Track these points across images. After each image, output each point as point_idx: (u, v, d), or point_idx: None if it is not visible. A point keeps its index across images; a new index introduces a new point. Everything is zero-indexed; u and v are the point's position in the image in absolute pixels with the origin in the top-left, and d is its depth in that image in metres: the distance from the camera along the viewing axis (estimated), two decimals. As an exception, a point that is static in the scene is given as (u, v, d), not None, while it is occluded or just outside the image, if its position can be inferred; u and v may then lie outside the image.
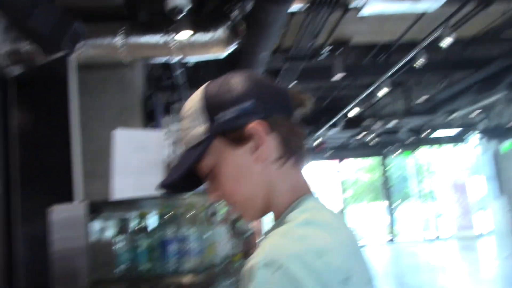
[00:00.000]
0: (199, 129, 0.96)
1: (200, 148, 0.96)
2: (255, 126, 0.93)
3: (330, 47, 6.60)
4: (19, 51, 3.86)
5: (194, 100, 0.98)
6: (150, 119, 5.32)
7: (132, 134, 2.24)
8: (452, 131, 14.42)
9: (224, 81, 0.98)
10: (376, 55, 7.51)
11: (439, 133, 13.97)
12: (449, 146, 16.23)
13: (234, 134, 0.94)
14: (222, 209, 2.40)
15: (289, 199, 0.95)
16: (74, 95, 3.64)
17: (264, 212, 1.00)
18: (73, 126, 3.57)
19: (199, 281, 2.23)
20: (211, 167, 0.98)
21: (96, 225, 2.28)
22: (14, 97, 3.95)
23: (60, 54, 3.61)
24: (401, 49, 6.64)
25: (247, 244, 2.62)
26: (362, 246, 0.99)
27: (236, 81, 0.97)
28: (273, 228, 0.93)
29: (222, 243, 2.28)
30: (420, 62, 6.22)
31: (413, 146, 15.89)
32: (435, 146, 16.49)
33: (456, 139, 15.29)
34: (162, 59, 4.57)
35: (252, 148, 0.94)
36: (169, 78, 5.96)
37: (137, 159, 2.18)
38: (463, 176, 16.62)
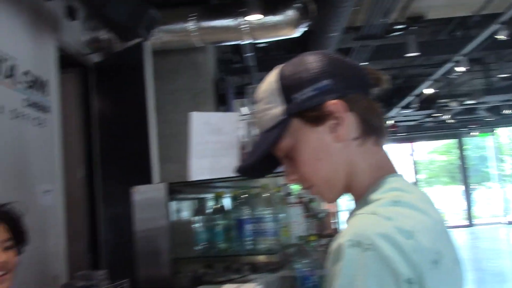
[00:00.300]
0: (276, 110, 0.95)
1: (277, 130, 0.95)
2: (333, 104, 0.91)
3: (403, 25, 6.38)
4: (98, 39, 4.02)
5: (270, 82, 0.97)
6: (221, 102, 5.40)
7: (208, 117, 2.28)
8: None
9: (299, 61, 0.97)
10: (453, 31, 7.18)
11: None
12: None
13: (312, 113, 0.93)
14: (296, 190, 2.40)
15: (371, 179, 0.93)
16: (150, 80, 3.76)
17: (343, 193, 0.98)
18: (150, 111, 3.69)
19: (274, 261, 2.26)
20: (289, 149, 0.97)
21: (173, 205, 2.35)
22: (94, 83, 4.14)
23: (136, 40, 3.73)
24: (479, 23, 6.31)
25: (322, 225, 2.62)
26: (448, 227, 0.95)
27: (311, 60, 0.95)
28: (358, 207, 0.91)
29: (297, 223, 2.28)
30: (500, 36, 5.88)
31: (493, 125, 15.15)
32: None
33: (540, 117, 14.39)
34: (233, 42, 4.61)
35: (331, 127, 0.92)
36: (240, 61, 6.01)
37: (213, 141, 2.22)
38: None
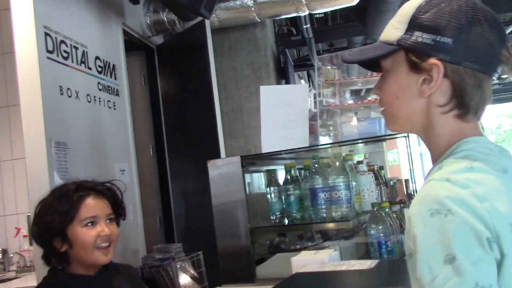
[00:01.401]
0: (395, 33, 0.96)
1: (384, 49, 0.97)
2: (433, 63, 0.90)
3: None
4: (160, 21, 4.13)
5: (412, 4, 0.96)
6: (281, 76, 5.41)
7: (276, 90, 2.32)
8: None
9: (447, 4, 0.92)
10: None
11: None
12: None
13: (415, 59, 0.93)
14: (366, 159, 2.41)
15: (449, 143, 0.94)
16: (212, 58, 3.82)
17: (406, 132, 1.00)
18: (214, 88, 3.77)
19: (347, 229, 2.29)
20: (385, 69, 1.00)
21: (246, 177, 2.42)
22: (158, 64, 4.25)
23: (197, 20, 3.80)
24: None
25: (393, 192, 2.62)
26: None
27: (455, 9, 0.91)
28: (433, 171, 0.91)
29: (369, 191, 2.30)
30: None
31: None
32: None
33: None
34: (291, 15, 4.58)
35: (422, 81, 0.93)
36: (298, 33, 5.97)
37: (282, 113, 2.26)
38: None
